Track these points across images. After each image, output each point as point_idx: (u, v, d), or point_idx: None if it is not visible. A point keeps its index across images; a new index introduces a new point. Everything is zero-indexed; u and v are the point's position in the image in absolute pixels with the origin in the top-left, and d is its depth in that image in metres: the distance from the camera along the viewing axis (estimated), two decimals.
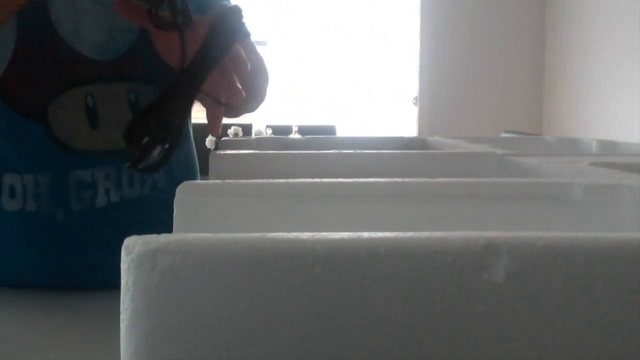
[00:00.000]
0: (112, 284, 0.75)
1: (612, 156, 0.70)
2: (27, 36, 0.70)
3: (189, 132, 0.88)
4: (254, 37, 0.94)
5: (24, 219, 0.73)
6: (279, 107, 4.13)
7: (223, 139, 0.82)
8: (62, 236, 0.74)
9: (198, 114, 1.00)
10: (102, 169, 0.74)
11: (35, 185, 0.72)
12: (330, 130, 3.63)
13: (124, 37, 0.76)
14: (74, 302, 0.72)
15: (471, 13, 4.44)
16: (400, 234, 0.26)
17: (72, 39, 0.72)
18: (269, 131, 3.28)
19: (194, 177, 0.88)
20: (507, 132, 3.44)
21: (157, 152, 0.57)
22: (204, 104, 0.64)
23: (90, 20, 0.73)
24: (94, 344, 0.59)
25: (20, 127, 0.72)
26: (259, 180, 0.43)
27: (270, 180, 0.44)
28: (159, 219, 0.73)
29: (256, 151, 0.64)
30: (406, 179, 0.43)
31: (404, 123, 4.55)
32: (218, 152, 0.62)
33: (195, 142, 0.91)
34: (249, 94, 0.64)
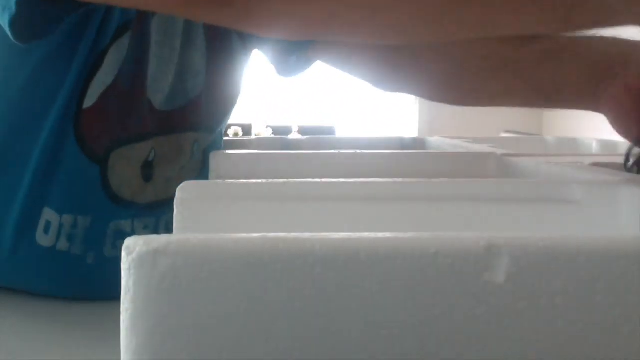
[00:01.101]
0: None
1: (612, 156, 0.70)
2: (121, 78, 0.66)
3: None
4: None
5: (54, 256, 0.70)
6: (279, 107, 4.13)
7: (223, 139, 0.82)
8: (89, 277, 0.71)
9: None
10: (142, 219, 0.72)
11: (73, 226, 0.70)
12: (330, 130, 3.63)
13: (193, 80, 0.72)
14: (74, 303, 0.72)
15: None
16: (401, 235, 0.26)
17: (151, 86, 0.69)
18: (269, 131, 3.28)
19: None
20: (507, 132, 3.44)
21: None
22: None
23: (164, 70, 0.70)
24: (94, 344, 0.59)
25: (78, 165, 0.68)
26: (259, 181, 0.43)
27: (271, 181, 0.44)
28: None
29: (256, 151, 0.64)
30: (406, 180, 0.43)
31: (404, 123, 4.55)
32: (218, 152, 0.62)
33: None
34: None
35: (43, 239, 0.69)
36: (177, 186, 0.69)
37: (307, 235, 0.26)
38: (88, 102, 0.66)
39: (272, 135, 2.71)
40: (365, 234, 0.26)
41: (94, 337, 0.61)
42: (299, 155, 0.63)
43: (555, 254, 0.25)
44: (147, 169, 0.70)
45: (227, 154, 0.62)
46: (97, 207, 0.70)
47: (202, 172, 0.75)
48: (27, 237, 0.69)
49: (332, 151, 0.65)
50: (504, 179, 0.59)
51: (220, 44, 0.74)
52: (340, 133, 3.77)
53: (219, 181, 0.43)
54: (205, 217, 0.42)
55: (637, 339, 0.25)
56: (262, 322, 0.25)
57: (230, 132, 2.69)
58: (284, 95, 4.24)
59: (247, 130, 3.16)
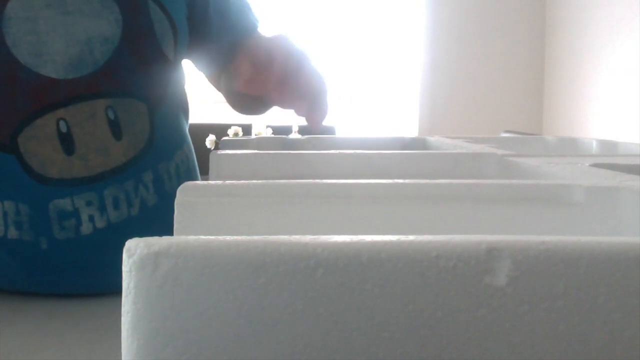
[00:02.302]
0: (106, 292, 0.73)
1: (612, 157, 0.70)
2: None
3: (184, 138, 0.84)
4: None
5: (7, 245, 0.70)
6: (279, 107, 4.12)
7: (223, 139, 0.81)
8: (48, 262, 0.71)
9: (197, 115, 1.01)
10: (82, 195, 0.70)
11: (17, 213, 0.69)
12: (330, 130, 3.63)
13: (102, 47, 0.70)
14: (75, 304, 0.72)
15: (472, 13, 4.44)
16: (402, 238, 0.26)
17: (34, 62, 0.67)
18: (269, 131, 3.27)
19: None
20: (507, 132, 3.44)
21: None
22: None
23: (59, 34, 0.68)
24: (94, 347, 0.59)
25: None
26: (260, 181, 0.43)
27: (271, 181, 0.44)
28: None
29: (256, 151, 0.64)
30: (407, 180, 0.43)
31: (404, 123, 4.55)
32: (218, 152, 0.62)
33: (195, 142, 0.89)
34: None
35: None
36: (112, 156, 0.70)
37: (308, 238, 0.26)
38: None
39: (272, 135, 2.71)
40: (367, 237, 0.26)
41: (95, 340, 0.61)
42: (299, 155, 0.63)
43: (557, 257, 0.25)
44: (67, 142, 0.69)
45: (227, 154, 0.62)
46: (29, 192, 0.69)
47: (152, 143, 0.74)
48: None
49: (332, 151, 0.65)
50: (504, 179, 0.59)
51: (137, 14, 0.73)
52: (340, 133, 3.76)
53: (219, 182, 0.43)
54: (205, 218, 0.42)
55: (638, 343, 0.25)
56: (264, 325, 0.25)
57: (230, 132, 2.69)
58: None
59: (247, 130, 3.15)
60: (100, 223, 0.71)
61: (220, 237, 0.26)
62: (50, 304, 0.72)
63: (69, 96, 0.69)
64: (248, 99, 0.82)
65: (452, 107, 4.47)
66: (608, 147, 0.91)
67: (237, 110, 0.94)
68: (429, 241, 0.26)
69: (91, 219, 0.70)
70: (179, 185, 0.83)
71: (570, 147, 0.96)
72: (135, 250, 0.25)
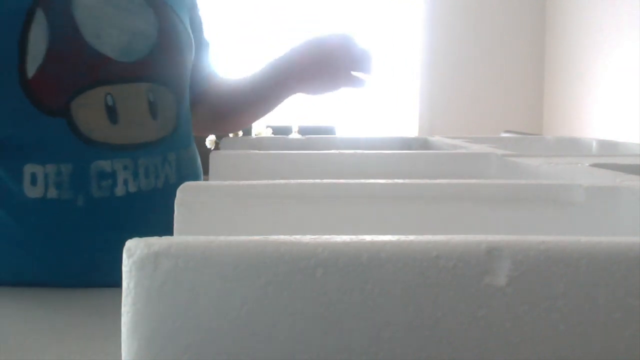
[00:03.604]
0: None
1: (612, 157, 0.70)
2: (56, 41, 0.76)
3: (192, 135, 0.95)
4: (259, 36, 1.12)
5: (46, 205, 0.77)
6: (279, 107, 4.12)
7: (223, 139, 0.85)
8: (82, 220, 0.78)
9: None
10: (120, 160, 0.79)
11: (57, 174, 0.77)
12: (330, 130, 3.63)
13: (144, 42, 0.83)
14: (76, 302, 0.72)
15: (471, 13, 4.44)
16: (402, 238, 0.26)
17: (95, 42, 0.78)
18: (269, 131, 3.27)
19: (198, 176, 0.94)
20: (507, 132, 3.44)
21: None
22: None
23: (113, 25, 0.80)
24: (96, 345, 0.59)
25: (44, 123, 0.76)
26: (260, 181, 0.43)
27: (271, 181, 0.44)
28: (169, 213, 0.76)
29: (256, 151, 0.64)
30: (407, 180, 0.43)
31: (404, 123, 4.55)
32: (218, 152, 0.62)
33: (195, 142, 0.94)
34: None
35: (32, 191, 0.76)
36: (148, 131, 0.82)
37: (308, 238, 0.26)
38: (30, 72, 0.75)
39: (272, 135, 2.71)
40: (367, 237, 0.26)
41: (96, 338, 0.61)
42: (299, 155, 0.63)
43: (556, 257, 0.25)
44: (112, 113, 0.79)
45: (227, 154, 0.62)
46: (75, 153, 0.77)
47: (177, 129, 0.88)
48: (14, 194, 0.76)
49: (332, 151, 0.65)
50: (504, 179, 0.59)
51: (165, 19, 0.88)
52: (340, 133, 3.76)
53: (219, 182, 0.43)
54: (205, 218, 0.42)
55: (638, 343, 0.25)
56: (264, 325, 0.25)
57: None
58: None
59: (247, 130, 3.15)
60: (132, 187, 0.80)
61: (220, 237, 0.26)
62: (49, 301, 0.72)
63: (119, 76, 0.80)
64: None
65: (452, 107, 4.46)
66: (608, 147, 0.91)
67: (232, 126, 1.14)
68: (429, 241, 0.26)
69: (125, 182, 0.80)
70: (192, 171, 0.92)
71: (570, 147, 0.96)
72: (135, 250, 0.25)
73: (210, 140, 2.56)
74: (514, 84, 4.50)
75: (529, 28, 4.48)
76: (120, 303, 0.26)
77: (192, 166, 0.90)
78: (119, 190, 0.79)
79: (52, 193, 0.77)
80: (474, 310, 0.25)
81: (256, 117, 1.07)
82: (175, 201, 0.42)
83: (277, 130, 3.03)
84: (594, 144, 0.94)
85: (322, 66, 0.91)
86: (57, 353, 0.58)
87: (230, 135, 2.55)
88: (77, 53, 0.77)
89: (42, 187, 0.76)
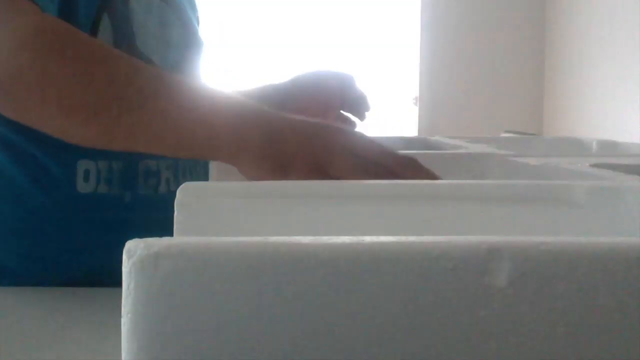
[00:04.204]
0: None
1: (613, 157, 0.70)
2: (118, 44, 0.80)
3: None
4: (261, 38, 1.18)
5: (96, 200, 0.81)
6: None
7: None
8: (129, 216, 0.82)
9: None
10: (165, 160, 0.84)
11: (109, 170, 0.81)
12: None
13: (175, 52, 0.88)
14: (77, 302, 0.72)
15: (471, 13, 4.44)
16: (402, 239, 0.26)
17: (145, 49, 0.84)
18: None
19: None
20: (507, 132, 3.44)
21: None
22: None
23: (154, 35, 0.85)
24: (98, 344, 0.59)
25: None
26: (260, 182, 0.43)
27: (271, 181, 0.43)
28: None
29: None
30: (407, 181, 0.43)
31: (404, 123, 4.55)
32: None
33: None
34: None
35: (84, 187, 0.80)
36: None
37: (308, 238, 0.26)
38: None
39: None
40: (367, 238, 0.26)
41: (98, 337, 0.61)
42: None
43: (557, 258, 0.25)
44: None
45: None
46: (125, 152, 0.79)
47: None
48: (66, 188, 0.79)
49: None
50: (504, 179, 0.59)
51: (189, 29, 0.93)
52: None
53: (219, 182, 0.43)
54: (205, 218, 0.42)
55: (638, 343, 0.25)
56: (264, 326, 0.25)
57: None
58: None
59: None
60: (173, 186, 0.84)
61: (221, 238, 0.26)
62: (49, 301, 0.72)
63: None
64: None
65: (452, 107, 4.46)
66: (608, 147, 0.91)
67: None
68: (429, 242, 0.26)
69: (167, 181, 0.85)
70: (207, 174, 0.95)
71: (570, 147, 0.96)
72: (135, 251, 0.25)
73: None
74: (514, 84, 4.50)
75: (529, 28, 4.48)
76: (120, 303, 0.26)
77: (207, 173, 0.95)
78: (162, 188, 0.84)
79: (103, 188, 0.81)
80: (474, 311, 0.25)
81: None
82: (175, 201, 0.42)
83: None
84: (594, 144, 0.94)
85: (317, 108, 0.95)
86: (57, 353, 0.58)
87: None
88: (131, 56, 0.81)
89: (94, 183, 0.81)
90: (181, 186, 0.42)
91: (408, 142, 0.98)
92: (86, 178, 0.80)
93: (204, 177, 0.89)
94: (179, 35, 0.90)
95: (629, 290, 0.25)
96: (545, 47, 4.49)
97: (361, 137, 0.63)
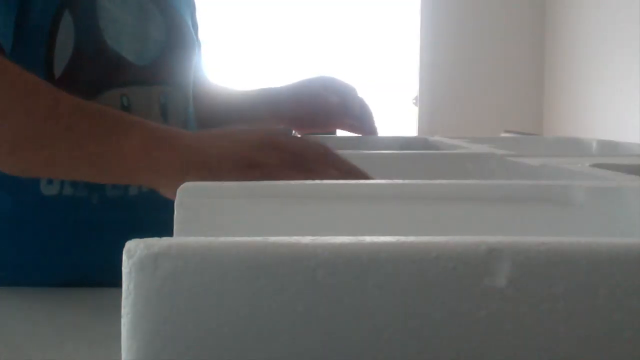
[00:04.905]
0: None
1: (613, 157, 0.70)
2: (82, 41, 0.78)
3: None
4: (260, 36, 1.14)
5: (61, 202, 0.78)
6: None
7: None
8: (97, 218, 0.80)
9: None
10: None
11: None
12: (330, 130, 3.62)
13: (155, 46, 0.85)
14: (77, 302, 0.72)
15: (471, 13, 4.44)
16: (402, 239, 0.26)
17: (116, 45, 0.80)
18: None
19: None
20: (507, 132, 3.43)
21: None
22: None
23: (129, 29, 0.82)
24: (97, 345, 0.59)
25: None
26: (260, 182, 0.43)
27: (271, 182, 0.43)
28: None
29: None
30: (407, 181, 0.43)
31: (404, 123, 4.55)
32: None
33: None
34: None
35: (48, 189, 0.78)
36: None
37: (308, 239, 0.26)
38: (57, 72, 0.76)
39: None
40: (367, 238, 0.26)
41: (96, 338, 0.61)
42: None
43: (557, 258, 0.25)
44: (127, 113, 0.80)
45: None
46: None
47: (186, 130, 0.87)
48: (30, 191, 0.77)
49: None
50: (504, 179, 0.59)
51: (173, 23, 0.89)
52: (341, 133, 3.76)
53: (219, 182, 0.43)
54: (205, 218, 0.42)
55: (638, 343, 0.25)
56: (263, 326, 0.25)
57: None
58: None
59: None
60: (145, 187, 0.80)
61: (220, 238, 0.26)
62: (49, 302, 0.72)
63: (134, 78, 0.82)
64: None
65: (452, 107, 4.46)
66: (608, 147, 0.91)
67: None
68: (429, 242, 0.26)
69: None
70: None
71: (570, 147, 0.96)
72: (135, 251, 0.25)
73: None
74: (514, 84, 4.50)
75: (529, 28, 4.48)
76: (120, 303, 0.26)
77: None
78: (132, 189, 0.81)
79: (68, 191, 0.78)
80: (474, 312, 0.25)
81: None
82: (175, 201, 0.42)
83: None
84: (594, 144, 0.94)
85: (315, 124, 0.96)
86: (57, 353, 0.58)
87: None
88: (100, 54, 0.79)
89: (58, 185, 0.78)
90: (181, 186, 0.42)
91: (408, 142, 0.98)
92: (49, 180, 0.78)
93: None
94: (161, 30, 0.87)
95: (629, 290, 0.25)
96: (545, 47, 4.49)
97: (284, 134, 0.67)
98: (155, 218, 0.80)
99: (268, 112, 0.99)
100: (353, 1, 4.51)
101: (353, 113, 0.94)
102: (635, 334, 0.25)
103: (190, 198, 0.42)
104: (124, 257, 0.25)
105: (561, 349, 0.25)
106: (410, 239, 0.26)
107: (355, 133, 0.96)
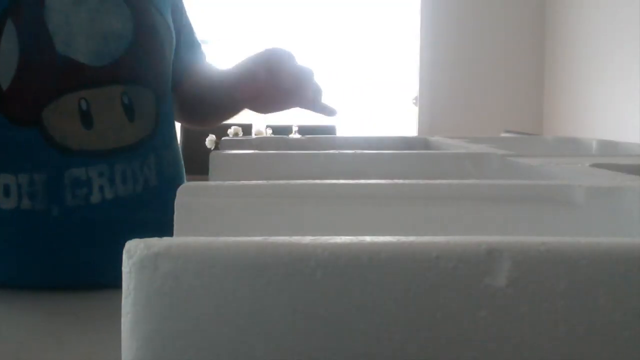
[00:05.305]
0: (105, 283, 0.77)
1: (613, 157, 0.70)
2: (27, 51, 0.74)
3: (175, 134, 0.93)
4: (261, 36, 1.08)
5: (20, 216, 0.75)
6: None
7: (223, 139, 0.84)
8: (58, 231, 0.76)
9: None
10: (96, 167, 0.77)
11: (30, 184, 0.75)
12: (330, 130, 3.63)
13: (117, 43, 0.80)
14: (75, 303, 0.72)
15: (471, 13, 4.44)
16: (402, 239, 0.26)
17: (65, 48, 0.76)
18: (269, 131, 3.27)
19: (181, 177, 0.92)
20: (507, 132, 3.43)
21: None
22: None
23: (83, 29, 0.78)
24: (94, 346, 0.59)
25: (16, 134, 0.75)
26: (260, 182, 0.43)
27: (271, 182, 0.43)
28: (151, 219, 0.75)
29: (256, 151, 0.64)
30: (407, 181, 0.43)
31: (404, 123, 4.55)
32: (218, 152, 0.62)
33: (195, 142, 0.94)
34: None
35: (5, 202, 0.75)
36: (124, 135, 0.80)
37: (308, 238, 0.26)
38: (4, 84, 0.73)
39: (272, 135, 2.71)
40: (367, 238, 0.26)
41: (94, 340, 0.61)
42: (299, 155, 0.63)
43: (557, 258, 0.25)
44: (86, 118, 0.77)
45: (227, 154, 0.62)
46: (48, 161, 0.75)
47: (157, 130, 0.84)
48: None
49: (332, 151, 0.65)
50: (504, 179, 0.59)
51: (144, 15, 0.85)
52: (340, 133, 3.76)
53: (219, 182, 0.43)
54: (205, 219, 0.42)
55: (638, 343, 0.25)
56: (263, 326, 0.25)
57: (231, 132, 2.68)
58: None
59: (247, 130, 3.15)
60: (108, 194, 0.78)
61: (220, 238, 0.26)
62: (49, 302, 0.72)
63: (91, 80, 0.78)
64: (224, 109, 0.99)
65: (452, 107, 4.46)
66: (608, 147, 0.91)
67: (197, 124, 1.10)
68: (429, 242, 0.26)
69: (101, 189, 0.78)
70: (174, 172, 0.89)
71: (570, 147, 0.96)
72: (135, 251, 0.25)
73: (210, 140, 2.56)
74: (514, 84, 4.50)
75: (528, 28, 4.48)
76: (119, 304, 0.26)
77: (174, 166, 0.88)
78: (95, 198, 0.77)
79: (26, 204, 0.75)
80: (474, 311, 0.25)
81: (216, 117, 1.03)
82: (175, 202, 0.42)
83: (277, 130, 3.03)
84: (594, 144, 0.94)
85: (267, 105, 0.90)
86: (57, 353, 0.58)
87: (230, 135, 2.55)
88: (48, 62, 0.76)
89: (16, 198, 0.75)
90: (181, 186, 0.42)
91: (408, 142, 0.98)
92: (6, 193, 0.75)
93: (157, 178, 0.83)
94: (127, 24, 0.81)
95: (629, 290, 0.25)
96: (545, 47, 4.49)
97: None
98: (124, 224, 0.77)
99: (230, 97, 0.94)
100: (353, 1, 4.51)
101: (307, 95, 0.85)
102: (635, 334, 0.25)
103: (190, 198, 0.42)
104: (124, 257, 0.25)
105: (561, 349, 0.25)
106: (410, 239, 0.26)
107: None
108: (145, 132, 0.83)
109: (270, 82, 0.81)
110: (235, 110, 0.97)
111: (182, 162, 0.93)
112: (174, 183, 0.84)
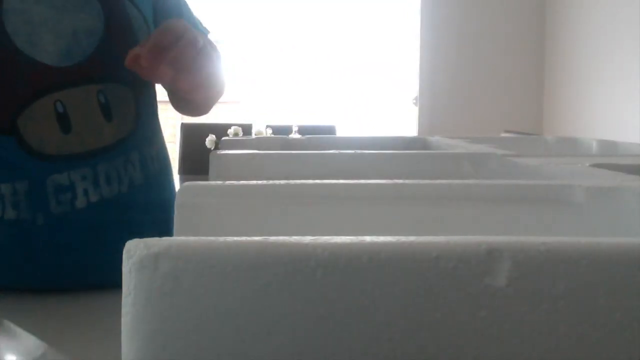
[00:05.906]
0: (97, 284, 0.77)
1: (613, 157, 0.70)
2: None
3: (159, 127, 0.90)
4: (261, 38, 1.01)
5: (4, 226, 0.74)
6: (279, 107, 4.13)
7: (223, 138, 0.83)
8: (45, 239, 0.75)
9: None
10: (78, 170, 0.75)
11: (13, 193, 0.73)
12: (330, 130, 3.63)
13: (87, 40, 0.77)
14: (74, 303, 0.72)
15: (471, 13, 4.44)
16: (402, 239, 0.26)
17: (30, 50, 0.73)
18: (269, 131, 3.28)
19: (168, 172, 0.89)
20: (507, 132, 3.43)
21: None
22: None
23: (49, 27, 0.74)
24: (97, 345, 0.59)
25: None
26: (260, 182, 0.43)
27: (271, 182, 0.43)
28: (139, 218, 0.75)
29: (256, 151, 0.64)
30: (407, 181, 0.43)
31: (404, 123, 4.55)
32: (218, 152, 0.62)
33: (195, 142, 0.93)
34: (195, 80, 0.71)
35: None
36: (104, 135, 0.77)
37: (308, 238, 0.26)
38: None
39: (272, 135, 2.71)
40: (367, 238, 0.26)
41: (94, 340, 0.61)
42: (299, 155, 0.63)
43: (557, 258, 0.25)
44: (63, 121, 0.75)
45: (227, 154, 0.62)
46: (28, 170, 0.74)
47: (137, 127, 0.81)
48: None
49: (332, 151, 0.65)
50: (504, 179, 0.59)
51: (116, 9, 0.80)
52: (340, 133, 3.77)
53: (219, 182, 0.43)
54: (205, 219, 0.42)
55: (638, 343, 0.25)
56: (263, 326, 0.25)
57: (230, 132, 2.69)
58: (284, 95, 4.24)
59: (247, 130, 3.15)
60: (93, 197, 0.76)
61: (220, 238, 0.26)
62: (49, 302, 0.72)
63: (63, 81, 0.75)
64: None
65: (452, 107, 4.46)
66: (608, 147, 0.91)
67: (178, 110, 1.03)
68: (429, 242, 0.26)
69: (85, 193, 0.76)
70: (159, 168, 0.87)
71: (570, 147, 0.96)
72: (135, 251, 0.25)
73: (210, 140, 2.56)
74: (514, 84, 4.50)
75: (528, 28, 4.48)
76: (119, 304, 0.26)
77: (159, 162, 0.86)
78: (80, 203, 0.75)
79: (10, 214, 0.73)
80: (474, 311, 0.25)
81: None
82: (175, 202, 0.42)
83: (277, 130, 3.03)
84: (594, 144, 0.94)
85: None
86: (56, 354, 0.58)
87: (230, 135, 2.55)
88: (11, 65, 0.73)
89: (0, 209, 0.73)
90: (181, 186, 0.42)
91: (408, 142, 0.98)
92: None
93: (142, 175, 0.80)
94: (97, 20, 0.78)
95: (629, 290, 0.25)
96: (545, 47, 4.49)
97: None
98: (112, 226, 0.75)
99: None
100: (354, 2, 4.51)
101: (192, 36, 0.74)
102: (635, 334, 0.25)
103: (190, 198, 0.42)
104: (124, 257, 0.25)
105: (561, 349, 0.25)
106: (410, 239, 0.26)
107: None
108: (125, 130, 0.80)
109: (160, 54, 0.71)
110: (186, 98, 0.89)
111: (168, 154, 0.90)
112: (160, 178, 0.83)
